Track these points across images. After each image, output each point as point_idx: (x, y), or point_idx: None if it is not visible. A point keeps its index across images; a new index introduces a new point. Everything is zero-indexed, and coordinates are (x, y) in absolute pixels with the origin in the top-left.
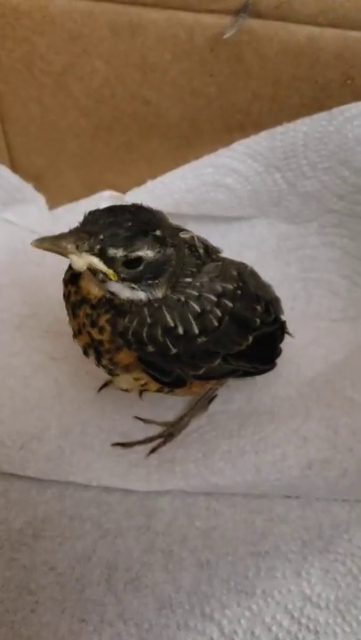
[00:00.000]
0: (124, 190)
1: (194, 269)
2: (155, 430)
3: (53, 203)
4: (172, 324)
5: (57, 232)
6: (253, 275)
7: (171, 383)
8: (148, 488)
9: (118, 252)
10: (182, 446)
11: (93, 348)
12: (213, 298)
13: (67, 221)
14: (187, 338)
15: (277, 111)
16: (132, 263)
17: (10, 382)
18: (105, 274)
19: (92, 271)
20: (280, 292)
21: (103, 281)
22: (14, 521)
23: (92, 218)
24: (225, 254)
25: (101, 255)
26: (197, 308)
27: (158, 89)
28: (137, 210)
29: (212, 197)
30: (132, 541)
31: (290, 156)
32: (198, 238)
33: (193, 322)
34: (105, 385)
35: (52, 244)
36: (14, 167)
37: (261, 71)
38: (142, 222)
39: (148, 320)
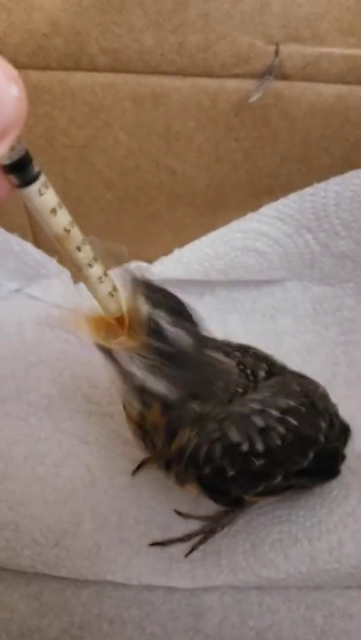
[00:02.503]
0: (150, 260)
1: (240, 390)
2: (195, 523)
3: (78, 277)
4: (237, 440)
5: (83, 306)
6: (324, 397)
7: (228, 503)
8: (194, 585)
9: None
10: (227, 536)
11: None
12: (277, 414)
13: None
14: (247, 457)
15: (307, 172)
16: (154, 328)
17: (39, 471)
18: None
19: (108, 350)
20: (319, 357)
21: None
22: (49, 628)
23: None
24: (258, 319)
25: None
26: (262, 422)
27: (183, 158)
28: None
29: (242, 262)
30: None
31: (321, 217)
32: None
33: (258, 438)
34: (140, 466)
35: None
36: (37, 242)
37: (289, 133)
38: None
39: (212, 436)
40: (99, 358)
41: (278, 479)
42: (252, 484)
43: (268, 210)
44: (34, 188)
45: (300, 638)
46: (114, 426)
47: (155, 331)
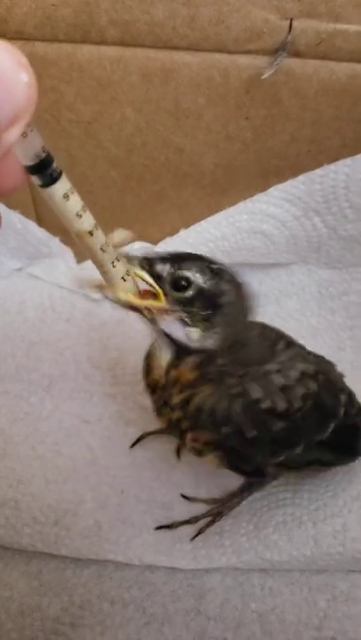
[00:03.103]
0: (154, 241)
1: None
2: (199, 504)
3: (81, 256)
4: (258, 396)
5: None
6: (340, 377)
7: (251, 473)
8: (196, 566)
9: (165, 268)
10: (230, 516)
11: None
12: (296, 374)
13: (95, 275)
14: (268, 417)
15: (317, 153)
16: (179, 285)
17: (40, 450)
18: (154, 294)
19: (139, 309)
20: (325, 341)
21: (152, 319)
22: (49, 607)
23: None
24: (263, 302)
25: (150, 270)
26: (282, 379)
27: (192, 135)
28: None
29: (248, 244)
30: (181, 628)
31: (330, 199)
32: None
33: (279, 394)
34: (138, 440)
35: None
36: (40, 221)
37: (300, 112)
38: (197, 255)
39: (231, 391)
40: (100, 339)
41: (299, 449)
42: (273, 450)
43: (276, 191)
44: (59, 192)
45: (303, 622)
46: (116, 407)
47: (187, 287)
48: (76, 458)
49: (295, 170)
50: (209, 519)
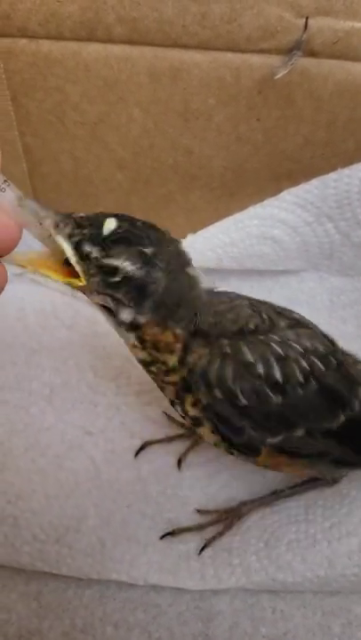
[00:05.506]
0: None
1: (251, 326)
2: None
3: None
4: (250, 359)
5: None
6: (358, 369)
7: (242, 446)
8: (204, 586)
9: (93, 252)
10: (239, 532)
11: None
12: (299, 348)
13: None
14: (263, 387)
15: (330, 157)
16: (107, 270)
17: (40, 463)
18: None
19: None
20: None
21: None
22: (49, 631)
23: (95, 215)
24: None
25: (77, 247)
26: (280, 350)
27: (201, 137)
28: (143, 226)
29: (258, 251)
30: None
31: (344, 204)
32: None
33: (275, 364)
34: (142, 449)
35: (34, 214)
36: None
37: (314, 114)
38: (135, 235)
39: (225, 350)
40: (104, 347)
41: (300, 432)
42: (269, 427)
43: (288, 195)
44: None
45: None
46: (120, 417)
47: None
48: (78, 471)
49: (308, 173)
50: (217, 530)
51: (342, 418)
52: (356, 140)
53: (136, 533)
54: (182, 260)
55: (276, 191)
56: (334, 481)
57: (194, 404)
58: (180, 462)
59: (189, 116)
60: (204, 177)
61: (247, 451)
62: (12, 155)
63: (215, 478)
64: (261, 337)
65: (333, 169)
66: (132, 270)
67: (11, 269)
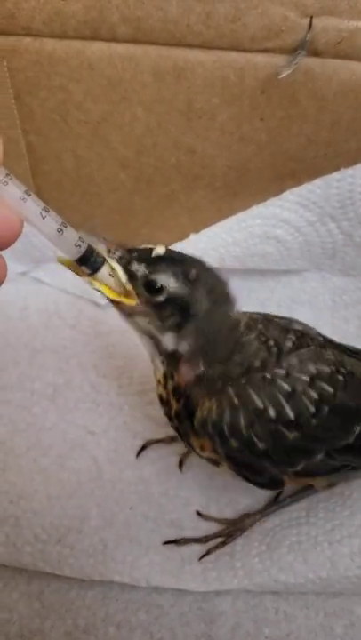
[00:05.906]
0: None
1: (258, 364)
2: (211, 523)
3: None
4: (260, 406)
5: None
6: None
7: (265, 485)
8: (206, 588)
9: (140, 269)
10: (242, 536)
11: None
12: (306, 378)
13: None
14: (277, 427)
15: (334, 156)
16: (152, 287)
17: (43, 463)
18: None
19: (116, 302)
20: None
21: (128, 312)
22: (51, 631)
23: (146, 248)
24: (274, 311)
25: (126, 267)
26: (287, 386)
27: (204, 136)
28: (191, 256)
29: (261, 250)
30: None
31: (347, 204)
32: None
33: (285, 403)
34: (143, 448)
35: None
36: None
37: (318, 114)
38: (181, 256)
39: (234, 401)
40: (107, 346)
41: (319, 456)
42: (289, 461)
43: (291, 195)
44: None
45: None
46: (123, 417)
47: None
48: (80, 471)
49: (311, 173)
50: (219, 540)
51: (358, 430)
52: (360, 140)
53: (138, 535)
54: (227, 298)
55: (279, 191)
56: (333, 484)
57: (202, 448)
58: (181, 463)
59: (193, 115)
60: (207, 176)
61: (271, 486)
62: (15, 153)
63: (216, 479)
64: (268, 375)
65: (337, 169)
66: (174, 288)
67: (12, 267)
